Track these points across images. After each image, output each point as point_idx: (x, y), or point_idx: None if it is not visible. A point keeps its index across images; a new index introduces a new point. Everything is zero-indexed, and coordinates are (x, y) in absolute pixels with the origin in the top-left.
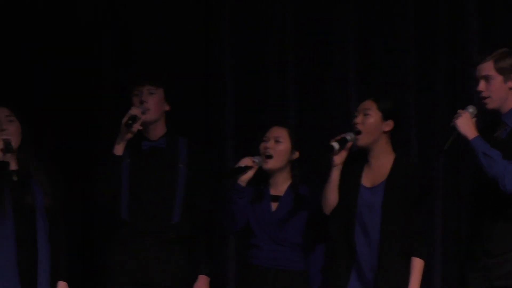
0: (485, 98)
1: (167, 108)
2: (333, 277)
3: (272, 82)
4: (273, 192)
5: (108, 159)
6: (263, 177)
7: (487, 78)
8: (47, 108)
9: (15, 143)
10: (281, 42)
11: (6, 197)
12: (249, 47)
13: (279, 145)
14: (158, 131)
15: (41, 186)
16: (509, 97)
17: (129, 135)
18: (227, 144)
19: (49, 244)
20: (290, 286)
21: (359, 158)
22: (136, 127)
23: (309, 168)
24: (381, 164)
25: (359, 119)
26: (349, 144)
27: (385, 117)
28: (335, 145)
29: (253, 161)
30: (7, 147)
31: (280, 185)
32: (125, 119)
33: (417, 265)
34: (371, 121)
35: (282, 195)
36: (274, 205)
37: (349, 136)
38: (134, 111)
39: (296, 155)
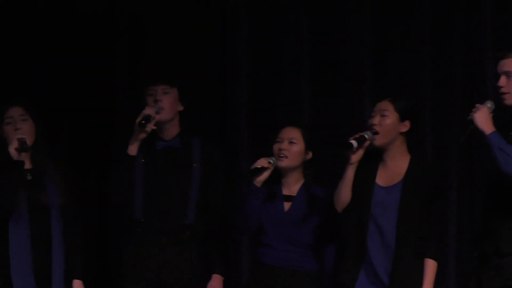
0: (504, 93)
1: (181, 108)
2: (341, 275)
3: (287, 81)
4: (285, 192)
5: (122, 159)
6: (275, 177)
7: (508, 74)
8: (61, 107)
9: (29, 142)
10: (296, 41)
11: (21, 196)
12: (264, 47)
13: (293, 146)
14: (172, 130)
15: (55, 184)
16: None
17: (143, 135)
18: (241, 143)
19: (64, 243)
20: (301, 287)
21: (373, 157)
22: (150, 127)
23: (322, 167)
24: (397, 164)
25: (376, 120)
26: (366, 143)
27: (402, 118)
28: (354, 143)
29: (269, 162)
30: (22, 147)
31: (293, 185)
32: (139, 119)
33: (431, 266)
34: (388, 122)
35: (294, 195)
36: (287, 205)
37: (367, 135)
38: (148, 111)
39: (310, 155)
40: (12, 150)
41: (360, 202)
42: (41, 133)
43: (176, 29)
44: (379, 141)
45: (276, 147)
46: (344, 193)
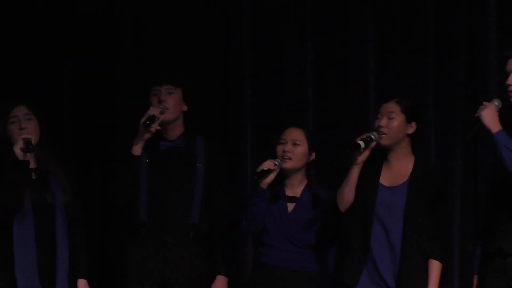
0: None
1: (185, 108)
2: (343, 274)
3: (290, 82)
4: (288, 193)
5: (127, 159)
6: (277, 178)
7: None
8: (64, 107)
9: (34, 141)
10: (299, 42)
11: (26, 195)
12: (268, 47)
13: (297, 148)
14: (176, 131)
15: (59, 184)
16: None
17: (148, 135)
18: (245, 144)
19: (68, 241)
20: (302, 287)
21: (376, 156)
22: (155, 127)
23: (326, 168)
24: (401, 165)
25: (383, 121)
26: (373, 144)
27: (409, 120)
28: (361, 143)
29: (275, 164)
30: (27, 147)
31: (296, 186)
32: (143, 119)
33: (435, 267)
34: (395, 124)
35: (298, 196)
36: (290, 206)
37: (373, 136)
38: (152, 111)
39: (313, 156)
40: (18, 150)
41: (365, 201)
42: (46, 133)
43: (179, 29)
44: (385, 142)
45: (279, 148)
46: (348, 193)
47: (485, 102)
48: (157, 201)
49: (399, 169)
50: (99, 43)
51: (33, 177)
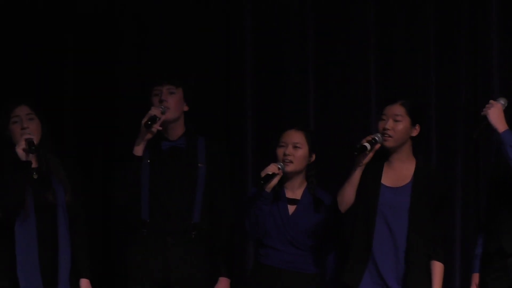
0: None
1: (186, 108)
2: (345, 275)
3: (292, 82)
4: (289, 195)
5: (128, 159)
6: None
7: None
8: (65, 107)
9: (36, 141)
10: (301, 42)
11: (28, 195)
12: (270, 48)
13: (298, 151)
14: (178, 131)
15: (61, 183)
16: None
17: (149, 136)
18: (246, 143)
19: (70, 241)
20: None
21: (377, 157)
22: (156, 127)
23: (328, 169)
24: (403, 166)
25: (389, 124)
26: (377, 146)
27: (414, 123)
28: (368, 145)
29: (278, 168)
30: (30, 148)
31: (297, 188)
32: (144, 120)
33: (439, 269)
34: (401, 127)
35: (299, 198)
36: (291, 208)
37: (377, 137)
38: (153, 111)
39: (313, 157)
40: (20, 150)
41: (366, 202)
42: (47, 132)
43: (180, 29)
44: (390, 144)
45: (280, 151)
46: (350, 194)
47: (491, 101)
48: (158, 201)
49: (400, 170)
50: (100, 43)
51: (35, 176)
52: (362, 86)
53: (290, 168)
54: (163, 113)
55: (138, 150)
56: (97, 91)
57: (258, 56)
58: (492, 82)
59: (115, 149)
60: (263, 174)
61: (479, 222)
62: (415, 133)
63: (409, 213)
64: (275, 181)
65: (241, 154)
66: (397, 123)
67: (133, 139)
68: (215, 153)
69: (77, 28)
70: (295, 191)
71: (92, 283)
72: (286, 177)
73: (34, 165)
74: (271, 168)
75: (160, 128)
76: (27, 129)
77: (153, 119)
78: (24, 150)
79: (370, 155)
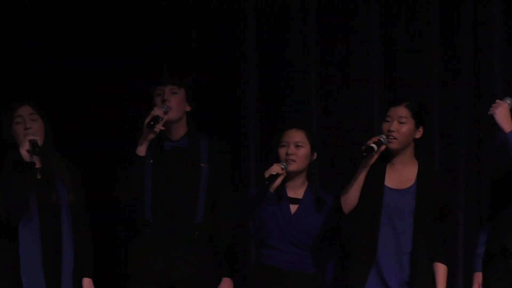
0: None
1: (188, 108)
2: (350, 277)
3: (295, 82)
4: (290, 194)
5: (131, 159)
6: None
7: None
8: (69, 107)
9: (39, 141)
10: (303, 41)
11: (31, 195)
12: (272, 47)
13: (300, 150)
14: (180, 131)
15: (64, 183)
16: None
17: (152, 136)
18: (249, 143)
19: (74, 241)
20: None
21: (379, 158)
22: (159, 127)
23: (331, 168)
24: (406, 168)
25: (394, 126)
26: (382, 148)
27: (418, 125)
28: (375, 146)
29: (282, 168)
30: (34, 149)
31: (298, 188)
32: (147, 120)
33: (442, 270)
34: (406, 130)
35: (301, 198)
36: (293, 208)
37: (382, 139)
38: (156, 111)
39: (315, 156)
40: (24, 152)
41: (371, 204)
42: (50, 132)
43: (182, 29)
44: (395, 146)
45: (282, 151)
46: (354, 195)
47: (497, 100)
48: (161, 202)
49: (404, 172)
50: (103, 43)
51: (38, 177)
52: (365, 86)
53: (293, 167)
54: (165, 113)
55: (141, 150)
56: (99, 91)
57: (260, 56)
58: (494, 82)
59: (117, 149)
60: (267, 174)
61: (481, 223)
62: (418, 135)
63: (414, 215)
64: (278, 181)
65: (244, 154)
66: (401, 125)
67: (136, 139)
68: (218, 153)
69: (77, 28)
70: (297, 190)
71: (94, 283)
72: (287, 177)
73: (37, 165)
74: (275, 169)
75: (163, 128)
76: (30, 129)
77: (156, 119)
78: (28, 151)
79: (376, 156)
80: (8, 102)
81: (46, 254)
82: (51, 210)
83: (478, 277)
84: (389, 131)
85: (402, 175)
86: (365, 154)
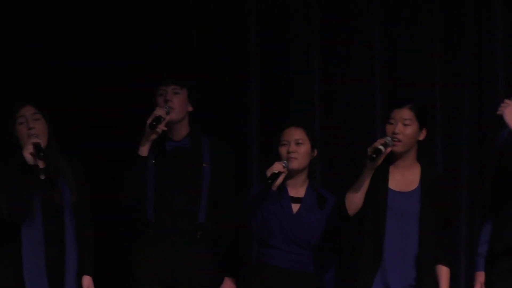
0: None
1: (190, 108)
2: (356, 281)
3: (297, 81)
4: (292, 193)
5: (133, 160)
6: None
7: None
8: (71, 108)
9: (42, 142)
10: (306, 41)
11: (35, 196)
12: (275, 47)
13: (301, 147)
14: (182, 131)
15: (68, 184)
16: None
17: (154, 136)
18: (251, 143)
19: (77, 242)
20: None
21: (383, 160)
22: (161, 128)
23: (334, 167)
24: (410, 171)
25: (398, 128)
26: (388, 150)
27: (421, 127)
28: (382, 148)
29: (283, 166)
30: (38, 153)
31: (299, 186)
32: (149, 120)
33: (445, 273)
34: (410, 132)
35: (302, 196)
36: (295, 207)
37: (387, 141)
38: (158, 111)
39: (315, 153)
40: (27, 154)
41: (375, 206)
42: (53, 132)
43: (184, 29)
44: (399, 149)
45: (283, 150)
46: (359, 198)
47: (506, 100)
48: (164, 202)
49: (407, 175)
50: (103, 43)
51: (42, 177)
52: (367, 86)
53: (295, 164)
54: (168, 113)
55: (143, 151)
56: (101, 92)
57: (262, 56)
58: (497, 82)
59: (120, 150)
60: (268, 173)
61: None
62: (421, 137)
63: (419, 218)
64: (280, 179)
65: (246, 155)
66: (406, 127)
67: (138, 139)
68: (220, 153)
69: (78, 28)
70: (298, 189)
71: (98, 283)
72: (288, 175)
73: (41, 165)
74: (276, 167)
75: (165, 128)
76: (33, 130)
77: (158, 119)
78: (31, 154)
79: (381, 158)
80: (10, 103)
81: (49, 255)
82: (55, 211)
83: (480, 277)
84: (394, 133)
85: (405, 177)
86: (374, 156)
